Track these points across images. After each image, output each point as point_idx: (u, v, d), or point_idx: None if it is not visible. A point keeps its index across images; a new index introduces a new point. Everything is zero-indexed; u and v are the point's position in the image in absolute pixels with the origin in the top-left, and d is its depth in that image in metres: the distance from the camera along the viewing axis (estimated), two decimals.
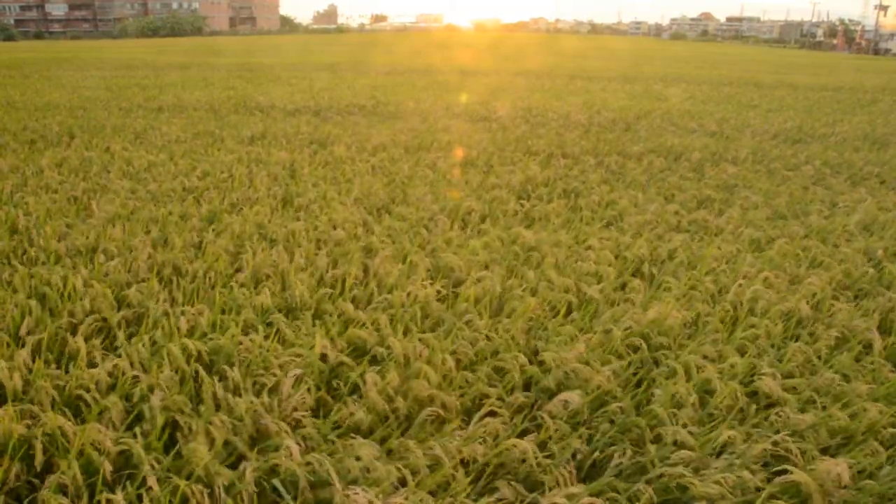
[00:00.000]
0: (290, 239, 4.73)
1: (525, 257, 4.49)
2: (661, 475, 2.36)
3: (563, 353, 3.02)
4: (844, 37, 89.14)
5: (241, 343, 3.08)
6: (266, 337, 3.20)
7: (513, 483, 2.33)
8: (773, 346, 3.38)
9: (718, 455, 2.51)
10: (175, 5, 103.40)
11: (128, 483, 2.24)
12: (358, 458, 2.27)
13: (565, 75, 22.09)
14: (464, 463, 2.43)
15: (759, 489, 2.31)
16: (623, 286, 4.11)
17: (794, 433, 2.60)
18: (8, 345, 3.10)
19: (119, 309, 3.53)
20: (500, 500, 2.28)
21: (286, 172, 6.88)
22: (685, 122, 11.30)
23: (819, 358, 3.27)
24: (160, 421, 2.46)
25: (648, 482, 2.34)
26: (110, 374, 2.82)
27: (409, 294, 3.72)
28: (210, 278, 3.96)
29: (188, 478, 2.23)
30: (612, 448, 2.54)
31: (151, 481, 2.14)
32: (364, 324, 3.38)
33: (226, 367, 2.87)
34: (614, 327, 3.35)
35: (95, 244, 4.51)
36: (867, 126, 11.38)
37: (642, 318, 3.43)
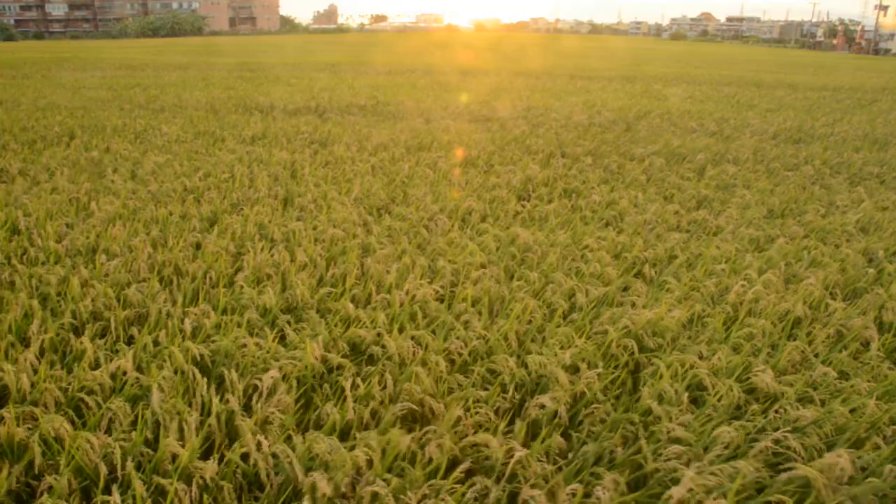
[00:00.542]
0: (291, 239, 4.74)
1: (521, 258, 4.50)
2: (657, 470, 2.37)
3: (547, 357, 3.02)
4: (844, 37, 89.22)
5: (243, 346, 3.08)
6: (261, 337, 3.20)
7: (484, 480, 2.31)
8: (771, 346, 3.38)
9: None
10: (175, 5, 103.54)
11: (114, 486, 2.25)
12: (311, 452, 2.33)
13: (565, 75, 22.11)
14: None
15: (760, 484, 2.31)
16: (625, 288, 4.11)
17: (795, 430, 2.60)
18: (13, 345, 3.11)
19: (120, 309, 3.54)
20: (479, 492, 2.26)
21: (287, 172, 6.89)
22: (685, 122, 11.30)
23: (816, 356, 3.27)
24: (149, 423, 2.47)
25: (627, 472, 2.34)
26: (112, 377, 2.82)
27: (407, 293, 3.72)
28: (210, 278, 3.96)
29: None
30: (592, 444, 2.52)
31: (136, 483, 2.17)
32: (364, 323, 3.39)
33: (224, 370, 2.87)
34: (610, 328, 3.34)
35: (96, 244, 4.52)
36: (867, 126, 11.39)
37: (639, 319, 3.43)
